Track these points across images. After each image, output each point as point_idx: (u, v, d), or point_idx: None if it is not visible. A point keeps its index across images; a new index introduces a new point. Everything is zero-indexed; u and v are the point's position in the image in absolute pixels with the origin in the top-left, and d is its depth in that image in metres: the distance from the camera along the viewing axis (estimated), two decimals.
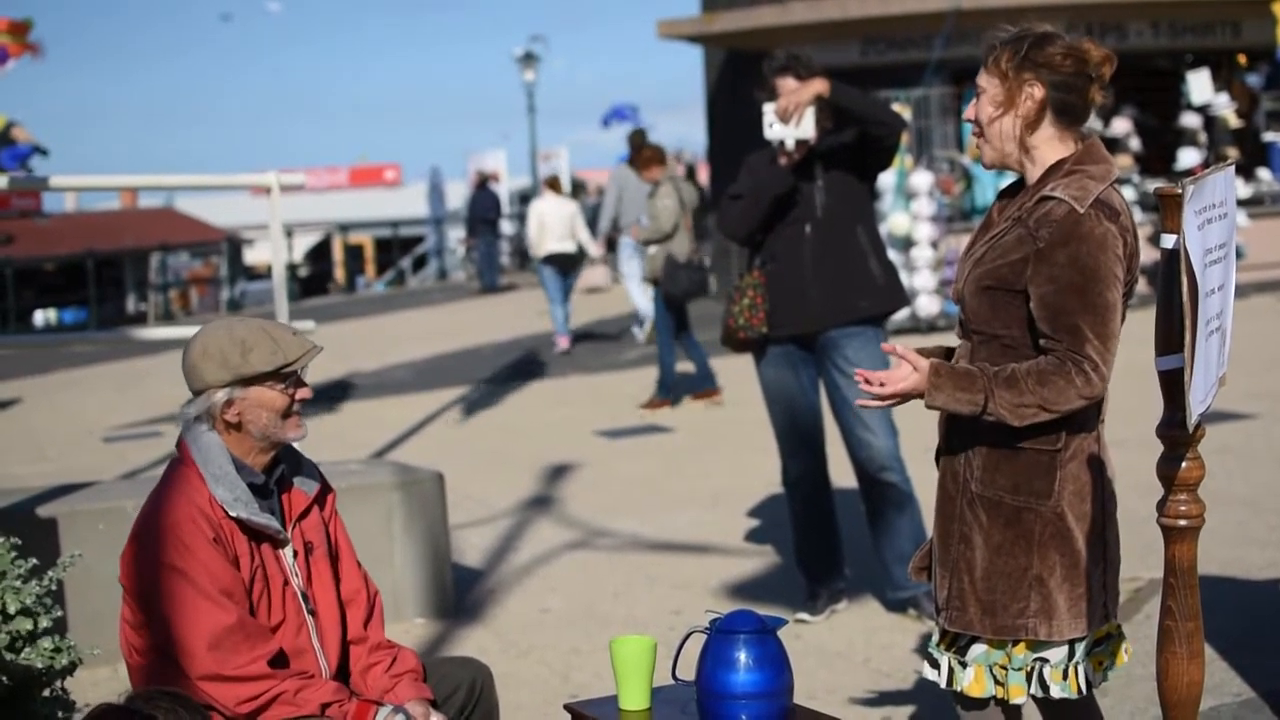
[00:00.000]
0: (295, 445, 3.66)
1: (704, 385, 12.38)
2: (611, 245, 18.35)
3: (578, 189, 25.82)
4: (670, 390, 12.40)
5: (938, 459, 3.55)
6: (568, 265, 16.57)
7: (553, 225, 16.25)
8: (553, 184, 17.85)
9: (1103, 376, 3.27)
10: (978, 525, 3.40)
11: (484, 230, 26.09)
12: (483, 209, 25.76)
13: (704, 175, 25.93)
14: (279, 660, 3.40)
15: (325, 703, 3.36)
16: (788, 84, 6.08)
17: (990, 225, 3.49)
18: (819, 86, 5.94)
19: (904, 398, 3.40)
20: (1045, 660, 3.39)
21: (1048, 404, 3.26)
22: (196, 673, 3.31)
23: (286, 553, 3.54)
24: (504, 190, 31.98)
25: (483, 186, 26.40)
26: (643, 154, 12.92)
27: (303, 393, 3.53)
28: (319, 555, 3.61)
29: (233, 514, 3.40)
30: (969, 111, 3.47)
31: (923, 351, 3.54)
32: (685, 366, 12.70)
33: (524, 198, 31.03)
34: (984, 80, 3.42)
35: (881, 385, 3.38)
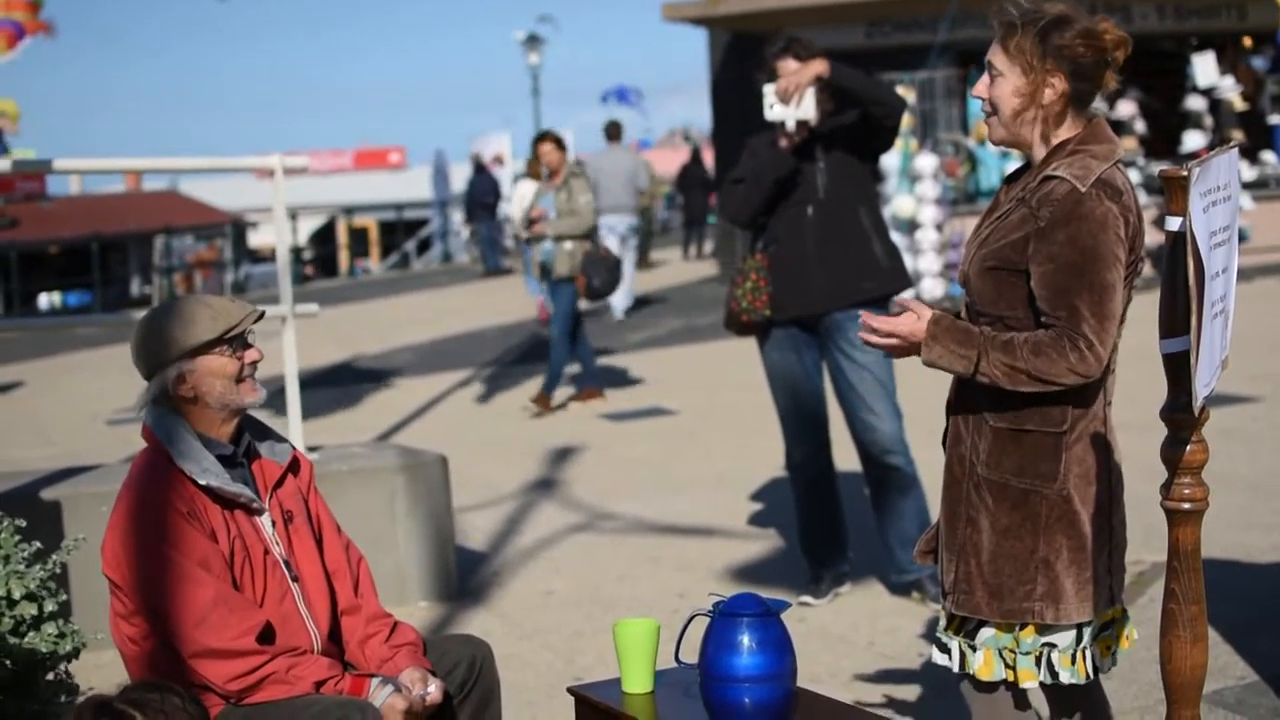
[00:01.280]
0: (260, 418, 3.69)
1: (588, 384, 12.04)
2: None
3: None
4: (554, 388, 11.80)
5: (944, 442, 3.54)
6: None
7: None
8: (533, 169, 18.54)
9: (1098, 356, 3.25)
10: (984, 508, 3.40)
11: (483, 214, 26.07)
12: (481, 193, 25.73)
13: (709, 157, 25.89)
14: (267, 635, 3.40)
15: (319, 680, 3.37)
16: (788, 66, 6.06)
17: (996, 207, 3.49)
18: (819, 67, 5.93)
19: (902, 348, 3.39)
20: (1053, 645, 3.39)
21: (1037, 372, 3.25)
22: (187, 651, 3.32)
23: (264, 521, 3.55)
24: (508, 173, 31.94)
25: (481, 170, 26.35)
26: (541, 145, 11.88)
27: (250, 355, 3.56)
28: (299, 524, 3.62)
29: (202, 483, 3.42)
30: (979, 88, 3.44)
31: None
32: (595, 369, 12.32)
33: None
34: (1000, 63, 3.38)
35: (884, 331, 3.38)
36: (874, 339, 3.42)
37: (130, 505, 3.44)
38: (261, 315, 3.59)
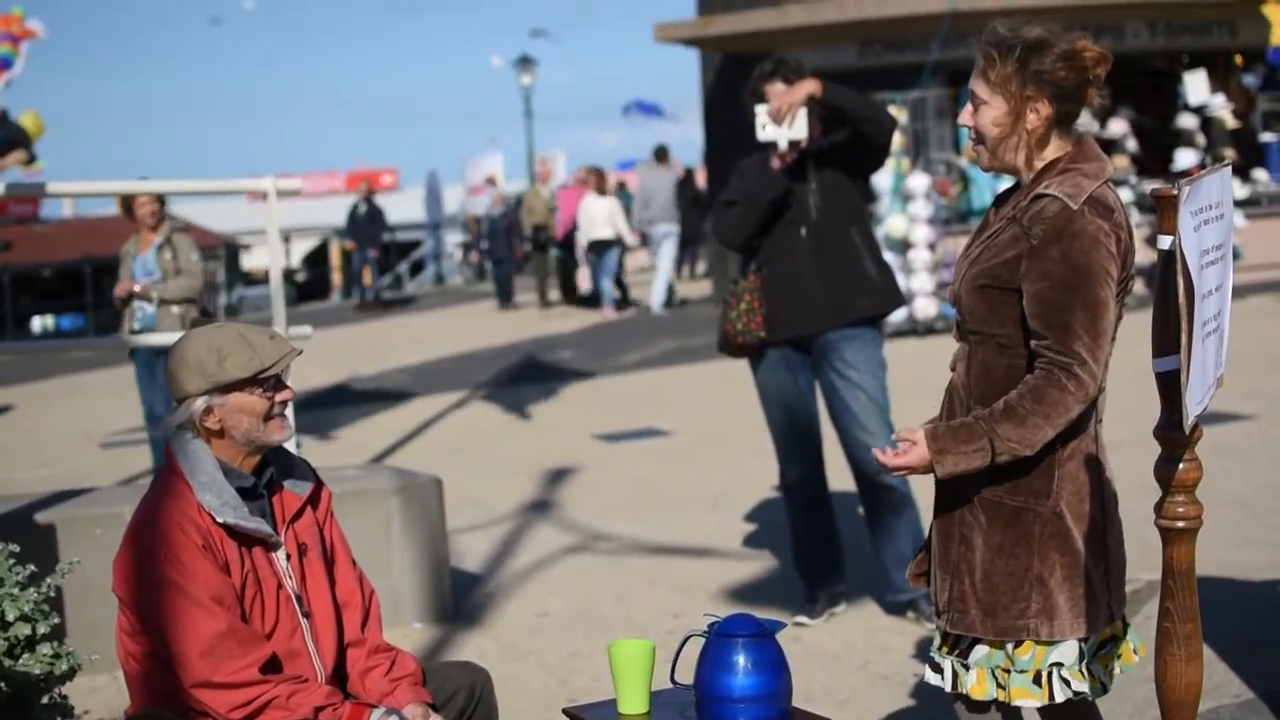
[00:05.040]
0: (288, 446, 3.66)
1: None
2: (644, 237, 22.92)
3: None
4: None
5: None
6: (607, 248, 21.19)
7: (595, 216, 21.11)
8: (599, 184, 21.50)
9: (1093, 374, 3.26)
10: (978, 527, 3.40)
11: (368, 242, 26.00)
12: (368, 222, 25.67)
13: (702, 179, 25.95)
14: (272, 665, 3.39)
15: (318, 706, 3.36)
16: (776, 88, 6.10)
17: (986, 226, 3.50)
18: (811, 87, 5.96)
19: (915, 470, 3.41)
20: (1060, 664, 3.38)
21: (1051, 419, 3.25)
22: (189, 680, 3.31)
23: (279, 555, 3.53)
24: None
25: (370, 200, 26.10)
26: (138, 197, 9.61)
27: (283, 395, 3.53)
28: (313, 557, 3.60)
29: (220, 520, 3.40)
30: (964, 117, 3.46)
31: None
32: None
33: (519, 202, 31.21)
34: (983, 92, 3.39)
35: (899, 466, 3.40)
36: (893, 464, 3.42)
37: (145, 529, 3.41)
38: (299, 354, 3.57)
